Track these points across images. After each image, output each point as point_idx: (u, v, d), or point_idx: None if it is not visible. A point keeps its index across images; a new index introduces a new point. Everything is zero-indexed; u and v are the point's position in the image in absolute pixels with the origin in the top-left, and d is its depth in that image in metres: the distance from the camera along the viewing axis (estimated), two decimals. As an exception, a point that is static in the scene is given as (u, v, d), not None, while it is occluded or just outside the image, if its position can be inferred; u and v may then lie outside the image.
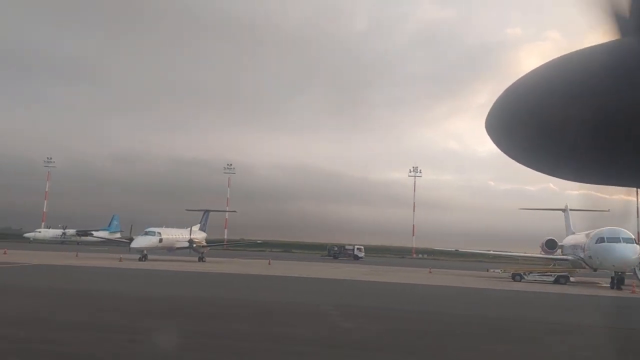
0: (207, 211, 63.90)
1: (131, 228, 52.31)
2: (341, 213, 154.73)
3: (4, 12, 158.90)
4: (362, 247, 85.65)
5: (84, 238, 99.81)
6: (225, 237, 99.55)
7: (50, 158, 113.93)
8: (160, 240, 48.48)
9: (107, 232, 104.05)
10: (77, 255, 49.31)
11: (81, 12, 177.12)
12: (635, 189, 3.55)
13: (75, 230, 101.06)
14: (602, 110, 3.05)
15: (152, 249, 48.22)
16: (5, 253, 47.29)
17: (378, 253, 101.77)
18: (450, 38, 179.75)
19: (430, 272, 46.54)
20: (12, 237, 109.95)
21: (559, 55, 3.54)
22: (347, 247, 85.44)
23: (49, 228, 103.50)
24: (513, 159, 3.87)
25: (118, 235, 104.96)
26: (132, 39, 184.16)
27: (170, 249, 51.43)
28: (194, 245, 51.92)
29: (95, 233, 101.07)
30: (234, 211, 70.77)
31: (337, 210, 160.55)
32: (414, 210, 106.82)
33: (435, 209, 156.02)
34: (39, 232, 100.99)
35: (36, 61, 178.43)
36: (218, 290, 25.67)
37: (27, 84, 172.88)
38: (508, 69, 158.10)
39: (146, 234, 48.37)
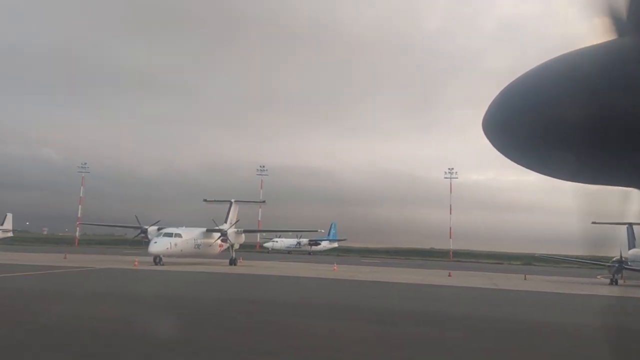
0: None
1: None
2: (433, 217, 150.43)
3: (101, 33, 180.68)
4: None
5: (314, 248, 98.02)
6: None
7: (264, 167, 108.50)
8: None
9: (328, 241, 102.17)
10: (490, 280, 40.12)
11: (171, 30, 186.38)
12: (633, 189, 3.46)
13: (307, 239, 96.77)
14: (600, 110, 3.05)
15: None
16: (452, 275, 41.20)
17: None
18: (530, 32, 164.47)
19: None
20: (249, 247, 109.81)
21: (557, 55, 3.55)
22: None
23: (280, 237, 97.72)
24: (510, 159, 3.86)
25: (336, 244, 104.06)
26: (215, 51, 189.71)
27: None
28: None
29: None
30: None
31: (427, 214, 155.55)
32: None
33: (519, 212, 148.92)
34: (276, 241, 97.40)
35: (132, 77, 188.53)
36: None
37: (126, 98, 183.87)
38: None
39: None
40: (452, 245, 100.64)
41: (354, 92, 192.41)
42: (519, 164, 3.86)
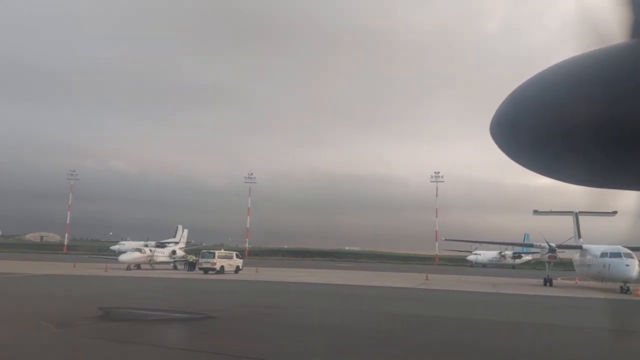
0: None
1: None
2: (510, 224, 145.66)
3: (156, 48, 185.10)
4: None
5: (517, 260, 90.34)
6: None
7: (439, 173, 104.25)
8: None
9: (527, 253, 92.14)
10: None
11: (231, 43, 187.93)
12: None
13: (512, 252, 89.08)
14: (610, 114, 2.99)
15: None
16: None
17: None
18: (599, 27, 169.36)
19: None
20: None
21: (567, 58, 3.49)
22: None
23: (476, 248, 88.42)
24: (518, 162, 3.84)
25: (530, 257, 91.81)
26: (265, 61, 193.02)
27: None
28: None
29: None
30: None
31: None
32: None
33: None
34: (479, 254, 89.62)
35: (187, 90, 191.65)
36: None
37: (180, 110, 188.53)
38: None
39: None
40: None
41: (414, 95, 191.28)
42: (526, 167, 3.81)
